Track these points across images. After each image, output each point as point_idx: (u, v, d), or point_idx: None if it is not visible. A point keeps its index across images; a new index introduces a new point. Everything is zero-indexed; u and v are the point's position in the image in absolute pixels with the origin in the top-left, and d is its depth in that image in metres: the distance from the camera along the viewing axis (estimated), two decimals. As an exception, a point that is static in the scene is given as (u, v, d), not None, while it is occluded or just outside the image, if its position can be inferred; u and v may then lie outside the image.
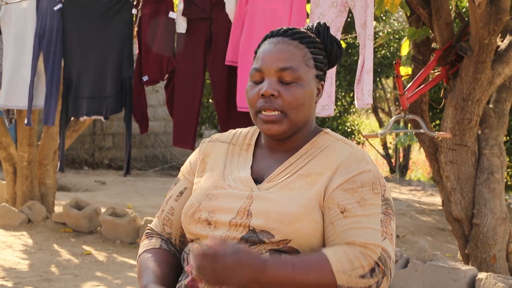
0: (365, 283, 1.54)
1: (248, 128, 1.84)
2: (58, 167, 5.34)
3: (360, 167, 1.64)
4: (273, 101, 1.67)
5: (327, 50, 1.76)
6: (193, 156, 1.85)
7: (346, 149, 1.68)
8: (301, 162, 1.69)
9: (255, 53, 1.76)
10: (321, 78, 1.74)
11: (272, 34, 1.74)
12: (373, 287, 1.54)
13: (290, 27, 1.75)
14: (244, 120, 4.50)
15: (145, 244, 1.80)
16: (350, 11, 4.23)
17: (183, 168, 1.85)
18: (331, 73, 4.23)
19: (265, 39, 1.75)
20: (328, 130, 1.76)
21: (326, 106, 4.24)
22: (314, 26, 1.77)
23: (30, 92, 5.05)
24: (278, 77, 1.68)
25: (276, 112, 1.67)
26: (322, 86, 1.75)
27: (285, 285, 1.53)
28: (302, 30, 1.76)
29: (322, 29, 1.76)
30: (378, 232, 1.58)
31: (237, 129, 1.85)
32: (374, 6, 4.11)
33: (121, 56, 4.98)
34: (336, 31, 4.18)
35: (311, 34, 1.75)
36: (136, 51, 4.99)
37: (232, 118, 4.69)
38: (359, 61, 4.10)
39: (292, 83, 1.67)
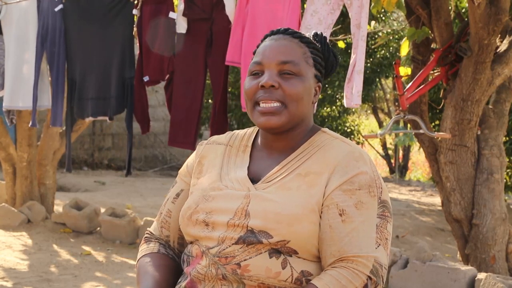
0: None
1: (245, 130, 1.84)
2: (66, 168, 5.34)
3: (357, 167, 1.64)
4: (273, 92, 1.67)
5: (324, 57, 1.78)
6: (191, 159, 1.85)
7: (344, 147, 1.68)
8: (298, 161, 1.69)
9: (254, 53, 1.77)
10: (318, 78, 1.75)
11: (273, 33, 1.77)
12: None
13: (290, 28, 1.77)
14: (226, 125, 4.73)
15: (143, 249, 1.81)
16: (346, 11, 4.24)
17: (180, 171, 1.86)
18: None
19: (265, 38, 1.78)
20: (326, 129, 1.76)
21: None
22: (312, 34, 1.80)
23: (34, 93, 5.04)
24: (278, 70, 1.69)
25: (276, 104, 1.67)
26: (319, 87, 1.76)
27: None
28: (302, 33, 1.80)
29: (319, 38, 1.79)
30: (372, 240, 1.61)
31: (234, 131, 1.86)
32: (371, 5, 4.11)
33: (123, 56, 4.98)
34: (326, 28, 4.19)
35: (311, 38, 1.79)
36: (137, 51, 4.99)
37: (219, 121, 4.76)
38: (351, 61, 4.10)
39: (293, 77, 1.68)
